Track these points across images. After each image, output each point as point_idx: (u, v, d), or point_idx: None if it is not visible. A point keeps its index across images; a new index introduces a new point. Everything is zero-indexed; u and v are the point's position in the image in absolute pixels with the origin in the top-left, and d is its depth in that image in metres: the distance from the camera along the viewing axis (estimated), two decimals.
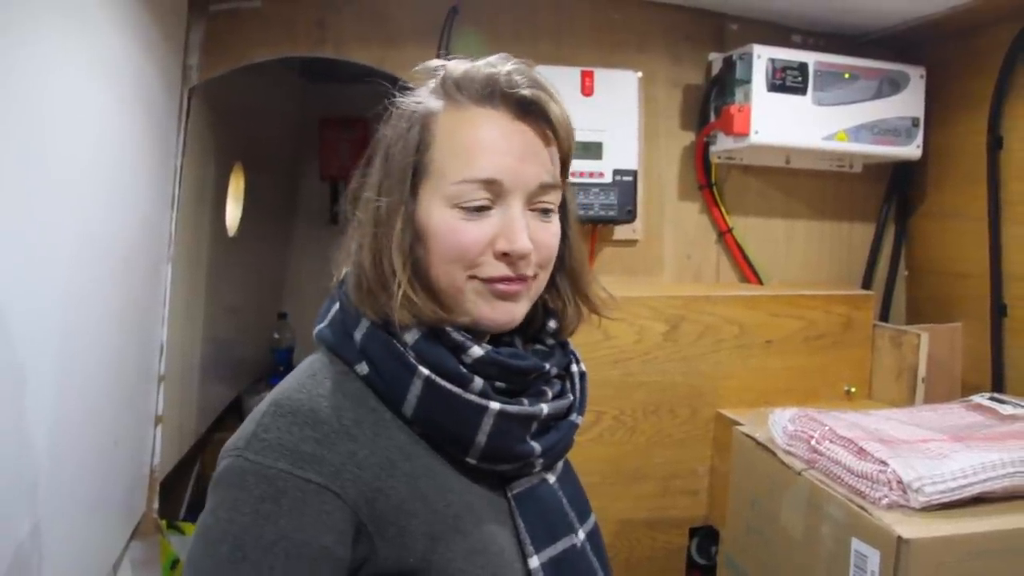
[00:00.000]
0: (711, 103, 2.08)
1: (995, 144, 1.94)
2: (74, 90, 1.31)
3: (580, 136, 1.88)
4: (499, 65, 0.85)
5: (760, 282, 2.19)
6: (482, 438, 0.81)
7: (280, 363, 3.19)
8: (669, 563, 1.99)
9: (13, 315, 1.12)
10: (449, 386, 0.81)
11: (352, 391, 0.82)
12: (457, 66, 0.86)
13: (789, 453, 1.46)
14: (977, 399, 1.62)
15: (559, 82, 1.99)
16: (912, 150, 2.08)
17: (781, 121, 1.96)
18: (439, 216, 0.82)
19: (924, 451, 1.29)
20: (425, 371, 0.80)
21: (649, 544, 1.96)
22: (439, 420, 0.82)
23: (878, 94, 2.04)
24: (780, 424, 1.50)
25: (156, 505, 1.89)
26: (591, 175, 1.93)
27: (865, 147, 2.04)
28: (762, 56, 1.94)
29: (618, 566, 1.94)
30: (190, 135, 1.94)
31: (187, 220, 2.00)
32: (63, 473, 1.36)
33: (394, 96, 0.88)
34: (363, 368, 0.83)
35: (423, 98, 0.86)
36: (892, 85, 2.05)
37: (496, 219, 0.82)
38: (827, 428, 1.40)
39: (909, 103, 2.06)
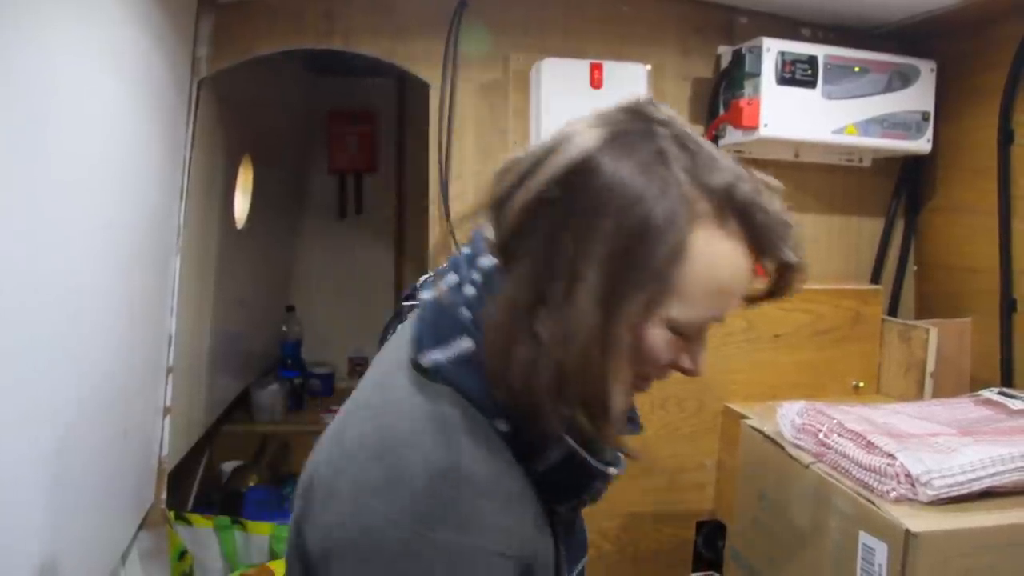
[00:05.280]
0: (720, 96, 2.06)
1: (1006, 139, 1.93)
2: (84, 81, 1.31)
3: None
4: (790, 222, 0.78)
5: None
6: (586, 496, 0.84)
7: (288, 356, 3.20)
8: (676, 556, 1.99)
9: (22, 306, 1.13)
10: (588, 456, 0.80)
11: (498, 448, 0.77)
12: (746, 184, 0.75)
13: (797, 446, 1.45)
14: (986, 394, 1.62)
15: (568, 75, 1.99)
16: (922, 144, 2.07)
17: (790, 114, 1.95)
18: (654, 333, 0.75)
19: (933, 445, 1.28)
20: (571, 442, 0.78)
21: (656, 537, 1.96)
22: (564, 480, 0.81)
23: (888, 88, 2.03)
24: (788, 417, 1.49)
25: (164, 496, 1.90)
26: None
27: (875, 141, 2.03)
28: (771, 49, 1.93)
29: (625, 559, 1.94)
30: (199, 127, 1.95)
31: (196, 212, 2.00)
32: (72, 463, 1.36)
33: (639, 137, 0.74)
34: (503, 426, 0.77)
35: (688, 194, 0.72)
36: (902, 79, 2.04)
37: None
38: (835, 421, 1.39)
39: (919, 97, 2.05)
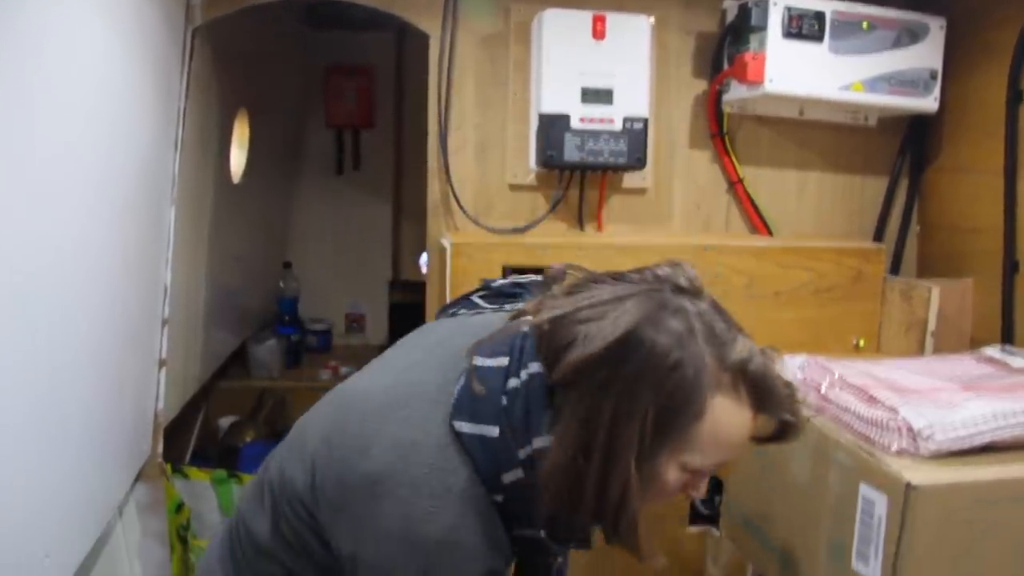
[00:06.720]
0: (725, 51, 2.03)
1: (1015, 98, 1.90)
2: (74, 27, 1.28)
3: (590, 81, 1.88)
4: (792, 389, 0.93)
5: (770, 233, 2.17)
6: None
7: (285, 312, 3.19)
8: (672, 511, 2.00)
9: (16, 254, 1.11)
10: (551, 543, 0.99)
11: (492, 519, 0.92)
12: (758, 360, 0.89)
13: None
14: (988, 351, 1.60)
15: (570, 26, 1.94)
16: (929, 103, 2.03)
17: (796, 70, 1.92)
18: (671, 474, 0.90)
19: (935, 399, 1.27)
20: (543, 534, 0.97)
21: None
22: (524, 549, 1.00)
23: (896, 44, 1.99)
24: (789, 371, 1.48)
25: (160, 449, 1.90)
26: (601, 121, 1.90)
27: (881, 98, 2.00)
28: (778, 3, 1.89)
29: None
30: (193, 78, 1.91)
31: (191, 164, 1.97)
32: (68, 415, 1.36)
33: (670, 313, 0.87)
34: (499, 498, 0.92)
35: (711, 370, 0.86)
36: (911, 35, 2.00)
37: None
38: (837, 375, 1.38)
39: (928, 54, 2.01)
